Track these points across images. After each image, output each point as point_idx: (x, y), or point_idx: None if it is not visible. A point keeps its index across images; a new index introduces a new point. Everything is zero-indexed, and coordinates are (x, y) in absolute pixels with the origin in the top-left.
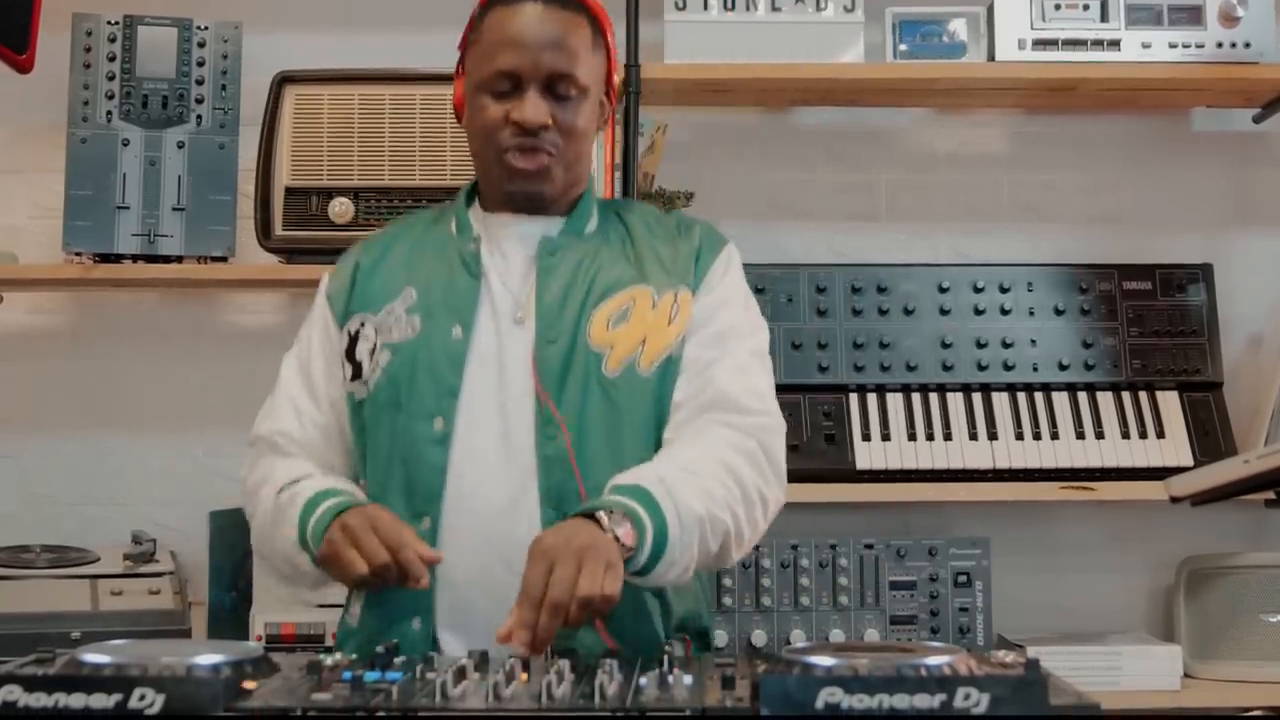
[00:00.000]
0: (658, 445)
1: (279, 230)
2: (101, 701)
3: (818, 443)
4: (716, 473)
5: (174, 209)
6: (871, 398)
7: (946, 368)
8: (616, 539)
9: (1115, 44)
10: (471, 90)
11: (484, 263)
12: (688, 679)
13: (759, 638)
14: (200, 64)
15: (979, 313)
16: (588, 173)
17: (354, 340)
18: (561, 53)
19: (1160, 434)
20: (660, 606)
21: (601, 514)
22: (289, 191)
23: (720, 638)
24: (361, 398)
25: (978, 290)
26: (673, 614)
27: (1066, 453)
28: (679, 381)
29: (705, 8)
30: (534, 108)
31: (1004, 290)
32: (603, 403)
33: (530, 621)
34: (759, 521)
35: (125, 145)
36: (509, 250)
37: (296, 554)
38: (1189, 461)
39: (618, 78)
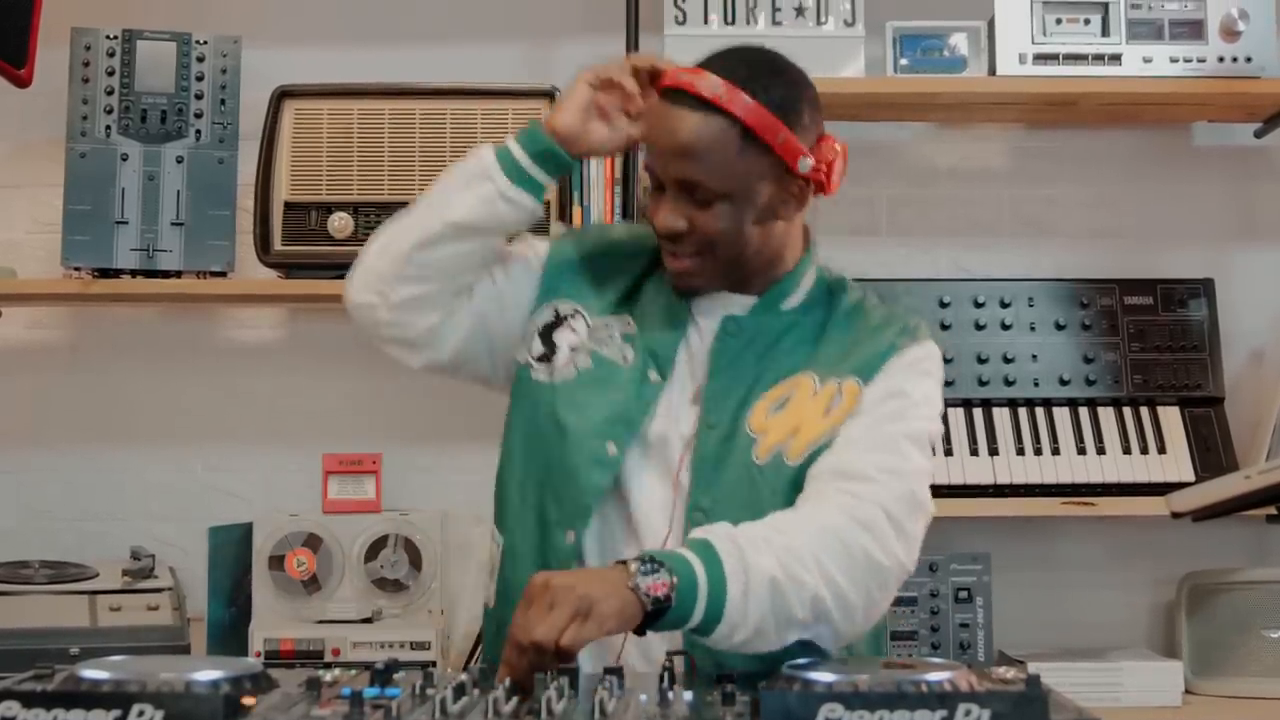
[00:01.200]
0: None
1: (278, 245)
2: (100, 717)
3: None
4: (813, 533)
5: (173, 224)
6: None
7: (947, 383)
8: (637, 588)
9: (1116, 58)
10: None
11: (693, 322)
12: (687, 696)
13: None
14: (199, 78)
15: (980, 328)
16: (787, 255)
17: (558, 322)
18: (689, 161)
19: (1161, 449)
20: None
21: (632, 563)
22: (288, 206)
23: None
24: (539, 379)
25: (978, 305)
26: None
27: (1068, 468)
28: (821, 456)
29: (705, 21)
30: (664, 213)
31: (1005, 305)
32: (747, 490)
33: (509, 660)
34: (874, 592)
35: (124, 160)
36: (703, 324)
37: (492, 169)
38: (1190, 477)
39: (805, 160)
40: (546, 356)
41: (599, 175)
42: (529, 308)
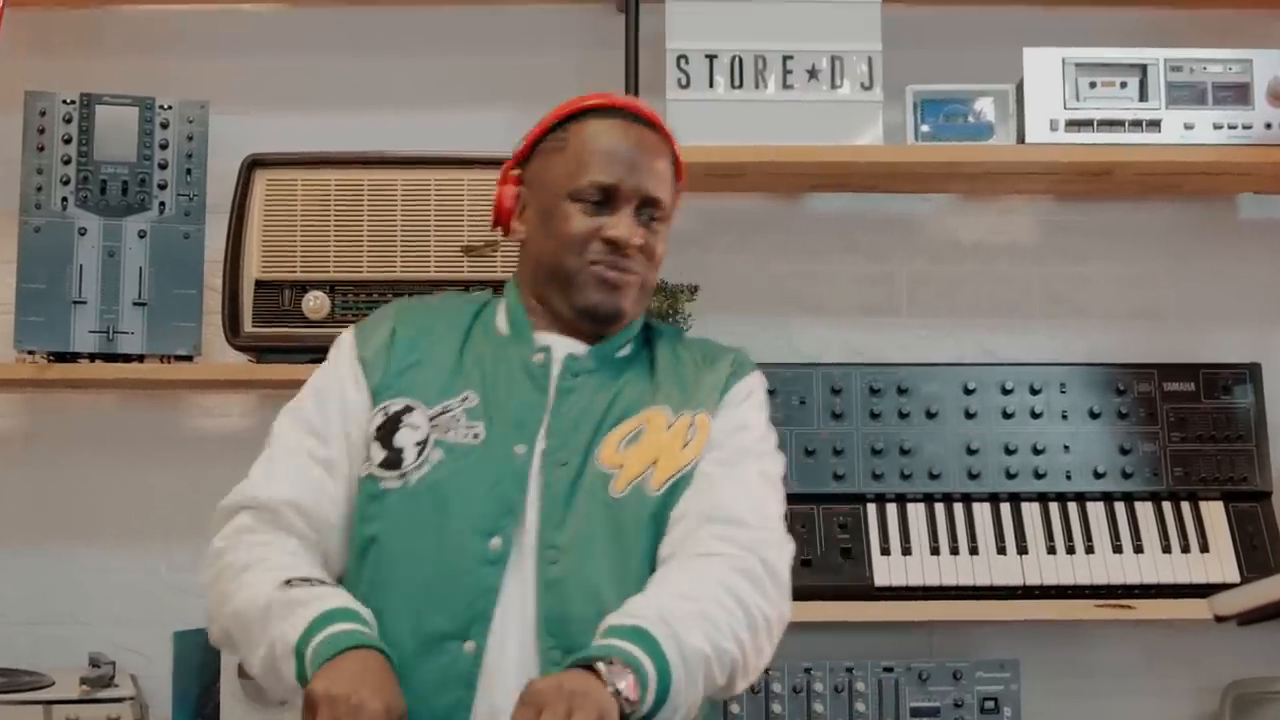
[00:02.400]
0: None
1: (249, 327)
2: None
3: (833, 557)
4: (717, 596)
5: (135, 304)
6: (891, 508)
7: (972, 476)
8: (618, 692)
9: (1155, 125)
10: (548, 198)
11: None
12: None
13: None
14: (164, 146)
15: (1007, 416)
16: None
17: (394, 423)
18: (655, 177)
19: (1204, 548)
20: None
21: (600, 665)
22: (259, 285)
23: None
24: (390, 488)
25: (1006, 392)
26: None
27: (1103, 568)
28: (684, 495)
29: (711, 85)
30: (631, 227)
31: (1035, 392)
32: (604, 525)
33: None
34: (764, 646)
35: (82, 234)
36: (554, 371)
37: (285, 660)
38: (1235, 578)
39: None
40: (393, 463)
41: None
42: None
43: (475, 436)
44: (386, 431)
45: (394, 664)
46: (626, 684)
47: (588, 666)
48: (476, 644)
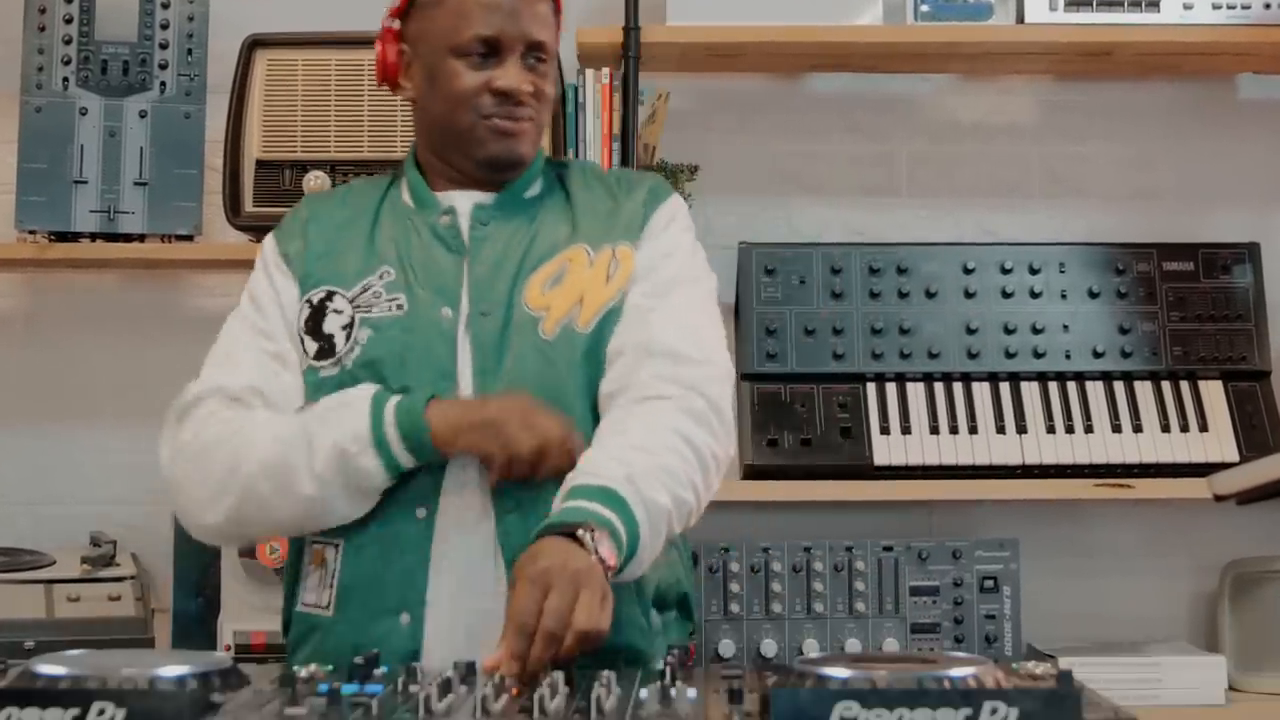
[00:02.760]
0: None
1: (249, 206)
2: (58, 716)
3: (832, 436)
4: (672, 444)
5: (136, 184)
6: (891, 388)
7: (972, 355)
8: (600, 560)
9: (1154, 4)
10: (431, 55)
11: (456, 233)
12: (691, 692)
13: (769, 648)
14: (164, 26)
15: (1007, 295)
16: None
17: (318, 312)
18: (538, 21)
19: (1203, 427)
20: (635, 582)
21: (583, 533)
22: (260, 164)
23: (727, 647)
24: (328, 375)
25: (1005, 271)
26: (648, 586)
27: (1102, 447)
28: (617, 328)
29: None
30: (519, 75)
31: (1034, 271)
32: (538, 367)
33: (521, 652)
34: (713, 485)
35: (83, 114)
36: (464, 228)
37: (361, 454)
38: (1234, 457)
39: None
40: (325, 351)
41: (596, 131)
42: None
43: (399, 308)
44: (314, 322)
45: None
46: (606, 550)
47: (568, 535)
48: (428, 509)
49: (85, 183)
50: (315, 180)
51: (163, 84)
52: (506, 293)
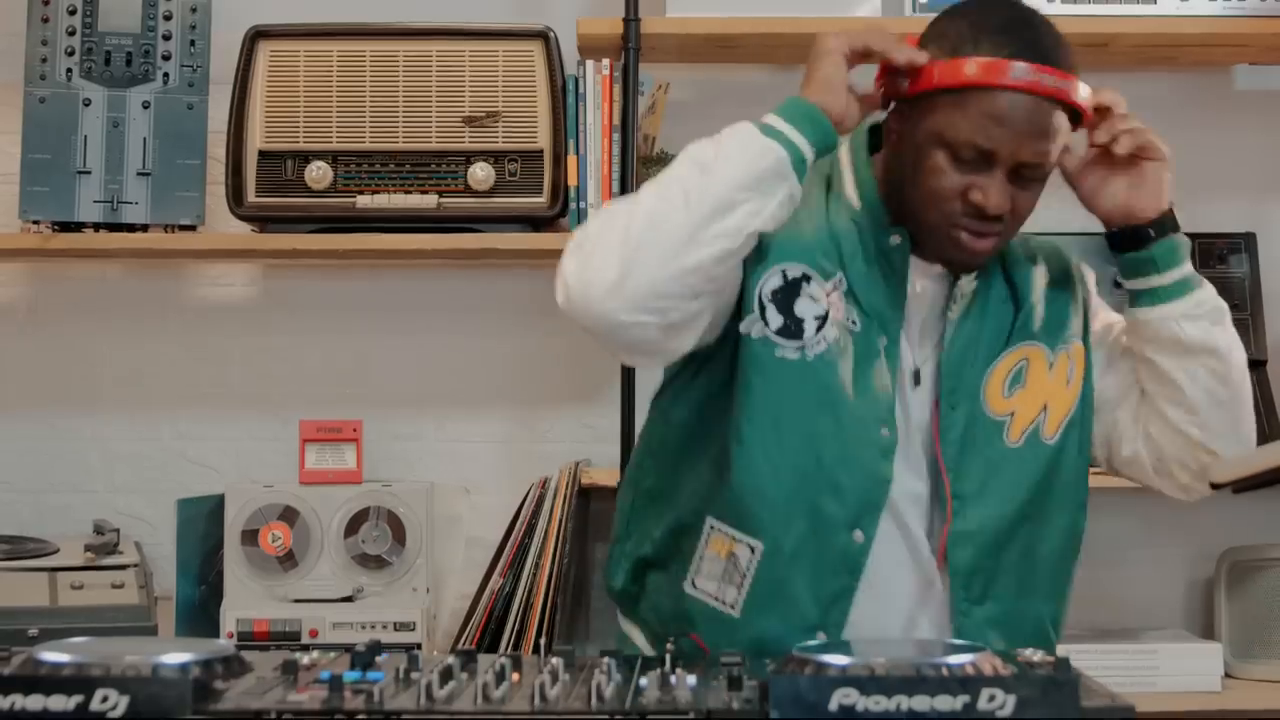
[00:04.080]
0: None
1: (252, 197)
2: (61, 703)
3: None
4: None
5: (139, 174)
6: None
7: None
8: None
9: None
10: (925, 134)
11: (908, 281)
12: (691, 680)
13: None
14: (167, 18)
15: None
16: None
17: (792, 289)
18: (1041, 144)
19: None
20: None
21: None
22: (263, 155)
23: None
24: (786, 358)
25: None
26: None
27: None
28: (1108, 376)
29: None
30: (999, 195)
31: None
32: (998, 475)
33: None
34: None
35: (86, 105)
36: (919, 285)
37: (755, 139)
38: None
39: None
40: (791, 330)
41: (596, 122)
42: (743, 269)
43: (854, 323)
44: (785, 296)
45: None
46: None
47: None
48: (865, 534)
49: (89, 173)
50: (317, 171)
51: (166, 75)
52: (971, 389)
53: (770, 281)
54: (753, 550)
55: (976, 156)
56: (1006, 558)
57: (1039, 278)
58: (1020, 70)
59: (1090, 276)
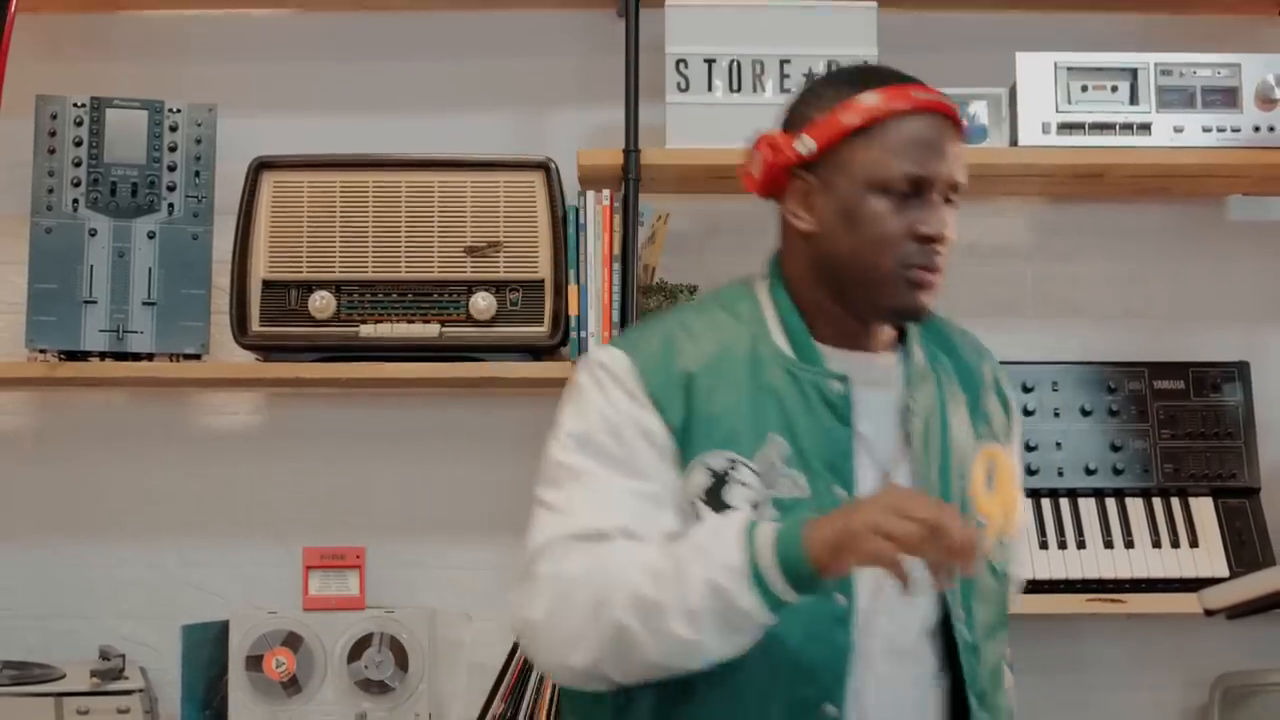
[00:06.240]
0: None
1: (256, 326)
2: None
3: None
4: None
5: (144, 303)
6: None
7: None
8: None
9: (1146, 128)
10: (849, 188)
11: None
12: None
13: None
14: (172, 149)
15: None
16: None
17: (721, 481)
18: (960, 160)
19: (1194, 543)
20: None
21: None
22: (266, 285)
23: None
24: None
25: None
26: None
27: (1094, 563)
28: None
29: (709, 89)
30: (941, 219)
31: (1027, 390)
32: (987, 581)
33: (903, 531)
34: None
35: (92, 235)
36: (867, 393)
37: (737, 589)
38: (1224, 572)
39: None
40: None
41: (596, 251)
42: (671, 483)
43: (799, 487)
44: (713, 493)
45: None
46: None
47: None
48: (837, 706)
49: (94, 302)
50: (320, 301)
51: (171, 205)
52: (945, 486)
53: (695, 480)
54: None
55: (910, 189)
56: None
57: (972, 362)
58: (920, 92)
59: (1002, 375)
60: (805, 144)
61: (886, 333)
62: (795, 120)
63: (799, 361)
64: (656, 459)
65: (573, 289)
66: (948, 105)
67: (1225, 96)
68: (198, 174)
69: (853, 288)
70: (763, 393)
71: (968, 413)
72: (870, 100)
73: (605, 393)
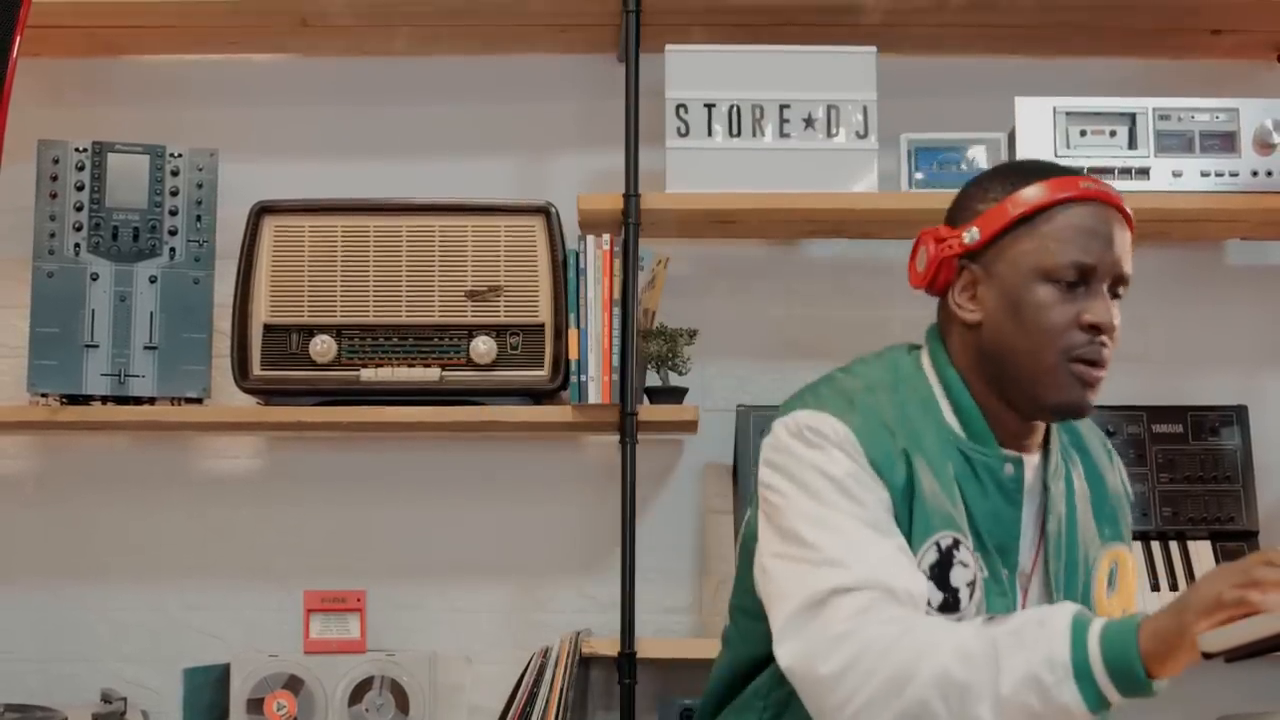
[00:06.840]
0: None
1: (257, 370)
2: None
3: None
4: None
5: (146, 347)
6: None
7: None
8: None
9: (1144, 172)
10: (1014, 278)
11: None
12: None
13: None
14: (174, 193)
15: None
16: None
17: (947, 560)
18: (1128, 252)
19: None
20: None
21: None
22: (267, 329)
23: None
24: None
25: None
26: None
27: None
28: None
29: (709, 134)
30: (1108, 310)
31: None
32: None
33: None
34: None
35: (94, 280)
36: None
37: (1057, 683)
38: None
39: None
40: (950, 604)
41: (596, 296)
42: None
43: (981, 571)
44: (941, 570)
45: None
46: None
47: None
48: None
49: (96, 347)
50: (321, 345)
51: (172, 250)
52: (1075, 589)
53: (927, 556)
54: None
55: (1077, 277)
56: None
57: (1099, 462)
58: (1088, 181)
59: (1124, 471)
60: (972, 235)
61: (1039, 433)
62: (961, 214)
63: (970, 442)
64: (889, 515)
65: (573, 333)
66: (1115, 196)
67: (1223, 141)
68: (199, 218)
69: (1016, 384)
70: (944, 470)
71: (1093, 511)
72: (1037, 189)
73: (825, 457)
